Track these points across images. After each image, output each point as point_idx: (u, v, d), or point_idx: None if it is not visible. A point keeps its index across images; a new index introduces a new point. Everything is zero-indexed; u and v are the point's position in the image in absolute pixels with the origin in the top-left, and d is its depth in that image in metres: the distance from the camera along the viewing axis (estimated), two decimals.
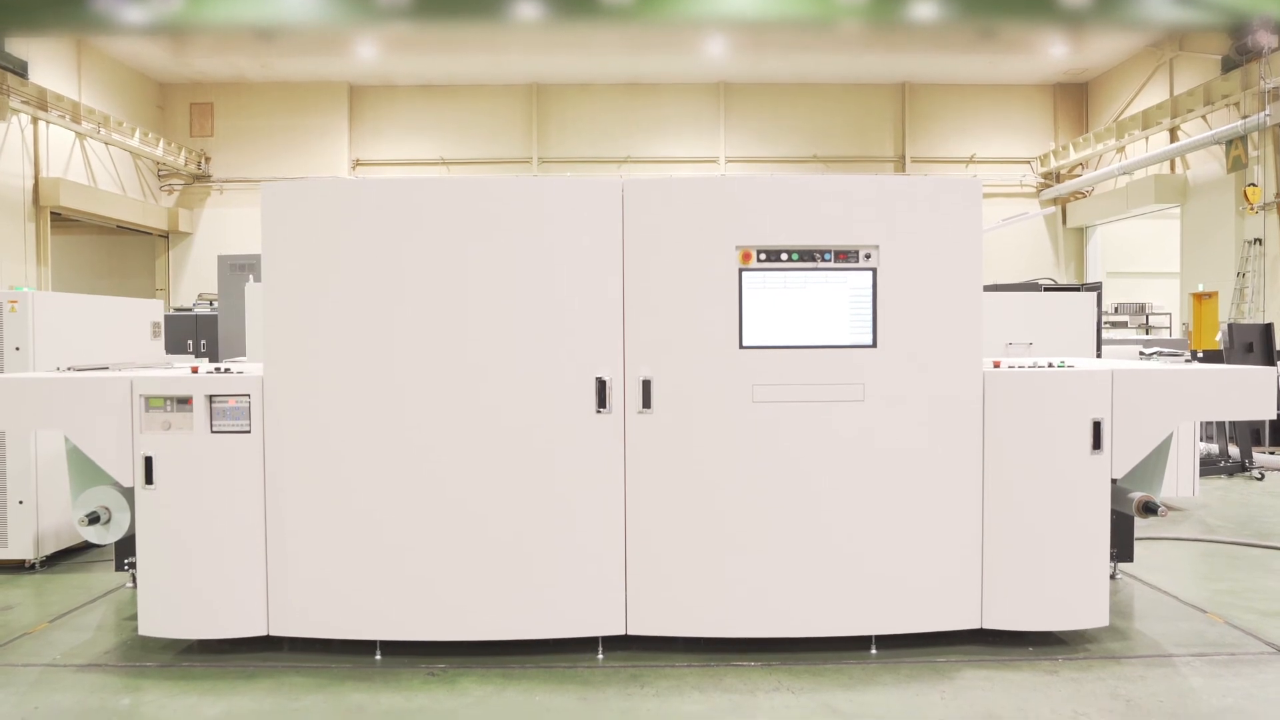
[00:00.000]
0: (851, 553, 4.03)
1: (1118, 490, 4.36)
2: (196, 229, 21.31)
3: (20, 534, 5.57)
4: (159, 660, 4.08)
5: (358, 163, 21.25)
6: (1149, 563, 5.61)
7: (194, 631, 4.05)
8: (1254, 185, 15.20)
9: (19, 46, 16.28)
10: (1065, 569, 4.07)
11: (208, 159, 21.24)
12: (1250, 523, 6.90)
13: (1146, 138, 18.48)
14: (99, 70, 18.87)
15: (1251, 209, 15.22)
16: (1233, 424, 9.28)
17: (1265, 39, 15.06)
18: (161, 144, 19.91)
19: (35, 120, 16.55)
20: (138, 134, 19.17)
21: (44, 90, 16.53)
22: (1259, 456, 9.44)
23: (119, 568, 4.48)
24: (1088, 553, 4.08)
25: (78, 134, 17.73)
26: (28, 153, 16.47)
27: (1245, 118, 15.32)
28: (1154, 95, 18.76)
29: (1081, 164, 20.94)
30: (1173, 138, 17.76)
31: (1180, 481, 7.05)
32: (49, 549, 5.71)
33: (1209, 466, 8.91)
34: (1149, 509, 4.19)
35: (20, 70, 16.16)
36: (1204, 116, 16.78)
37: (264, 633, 4.03)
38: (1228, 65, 16.28)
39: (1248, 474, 8.95)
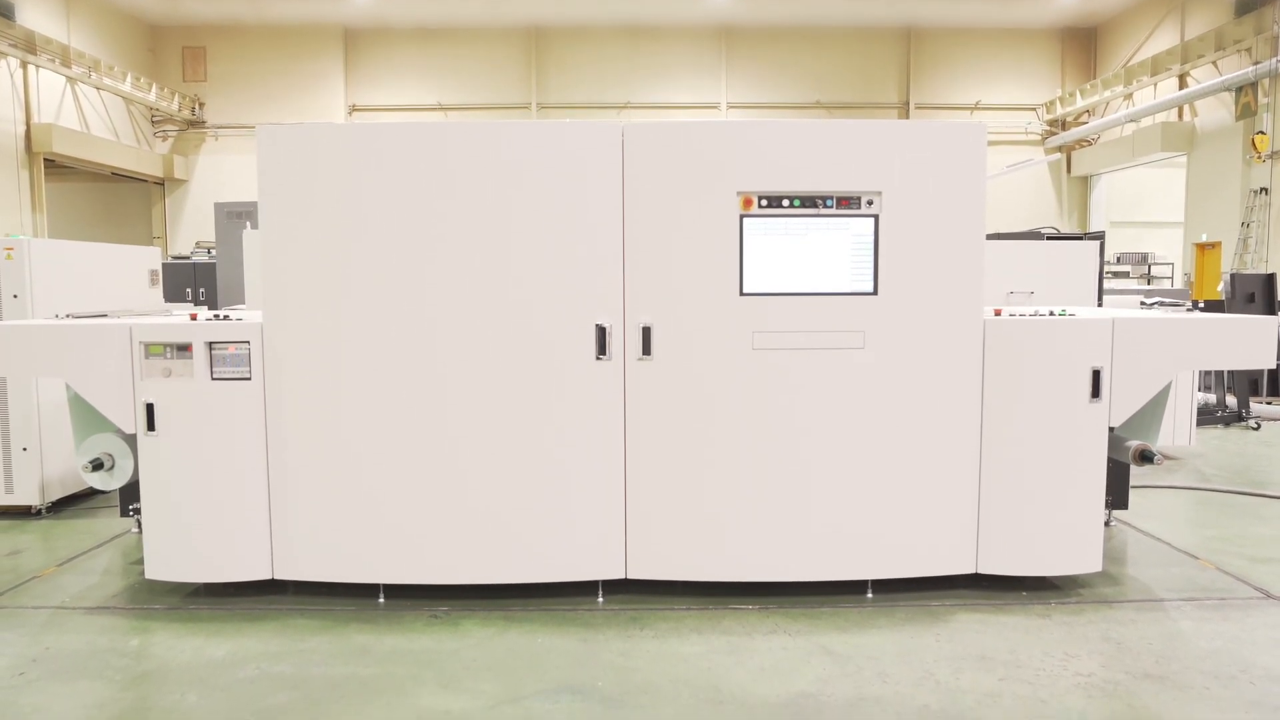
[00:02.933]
0: (849, 498, 4.06)
1: (1115, 438, 4.39)
2: (192, 176, 21.09)
3: (25, 480, 5.62)
4: (166, 603, 4.14)
5: (354, 108, 20.94)
6: (1143, 510, 5.67)
7: (200, 575, 4.11)
8: (1262, 133, 15.00)
9: None
10: (1061, 515, 4.11)
11: (202, 104, 20.93)
12: (1245, 471, 6.96)
13: (1155, 84, 18.18)
14: (88, 12, 18.47)
15: (1259, 157, 15.04)
16: (1231, 374, 9.30)
17: None
18: (154, 89, 19.60)
19: (24, 64, 16.25)
20: (129, 78, 18.85)
21: (32, 33, 16.20)
22: (1256, 406, 9.48)
23: (124, 513, 4.53)
24: (1083, 500, 4.12)
25: (68, 78, 17.43)
26: (18, 98, 16.21)
27: (1257, 64, 15.05)
28: (1164, 40, 18.41)
29: (1088, 111, 20.64)
30: (1182, 84, 17.47)
31: (1177, 431, 7.09)
32: (54, 495, 5.77)
33: (1206, 416, 8.95)
34: (1145, 457, 4.22)
35: (7, 12, 15.83)
36: (1215, 62, 16.48)
37: (269, 576, 4.09)
38: (1241, 9, 15.94)
39: (1244, 424, 9.00)
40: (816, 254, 4.00)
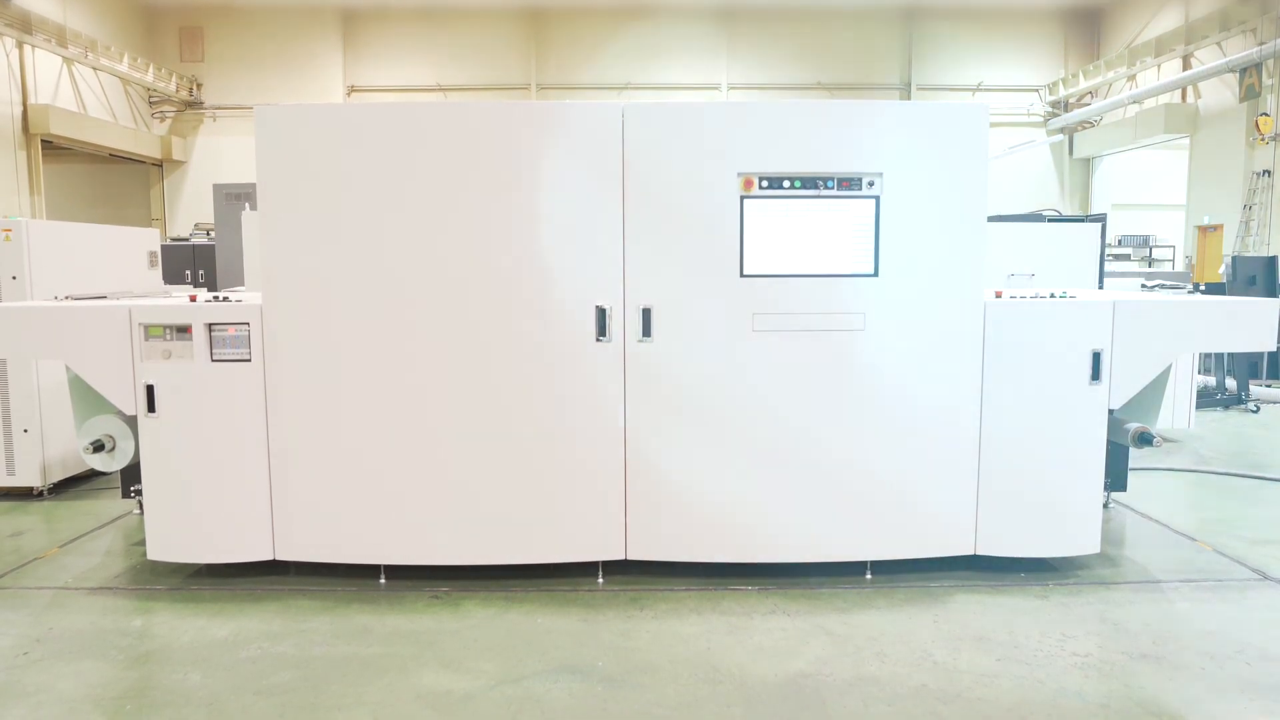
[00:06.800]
0: (849, 480, 4.07)
1: (1114, 421, 4.39)
2: (190, 157, 20.98)
3: (27, 462, 5.64)
4: (168, 584, 4.16)
5: (353, 89, 20.81)
6: (1142, 492, 5.69)
7: (201, 556, 4.13)
8: (1266, 115, 14.92)
9: None
10: (1060, 497, 4.12)
11: (199, 85, 20.78)
12: (1243, 454, 6.97)
13: (1159, 65, 18.05)
14: None
15: (1262, 139, 14.96)
16: (1230, 357, 9.29)
17: None
18: (151, 69, 19.45)
19: (20, 44, 16.13)
20: (126, 59, 18.71)
21: (28, 13, 16.07)
22: (1255, 389, 9.48)
23: (125, 495, 4.55)
24: (1082, 482, 4.13)
25: (65, 58, 17.30)
26: (14, 79, 16.10)
27: (1261, 44, 14.94)
28: (1169, 21, 18.26)
29: (1091, 93, 20.51)
30: (1186, 66, 17.35)
31: (1176, 413, 7.11)
32: (56, 477, 5.79)
33: (1205, 399, 8.96)
34: (1144, 440, 4.23)
35: None
36: (1219, 43, 16.36)
37: (270, 557, 4.11)
38: None
39: (1243, 406, 9.00)
40: (817, 235, 3.99)
